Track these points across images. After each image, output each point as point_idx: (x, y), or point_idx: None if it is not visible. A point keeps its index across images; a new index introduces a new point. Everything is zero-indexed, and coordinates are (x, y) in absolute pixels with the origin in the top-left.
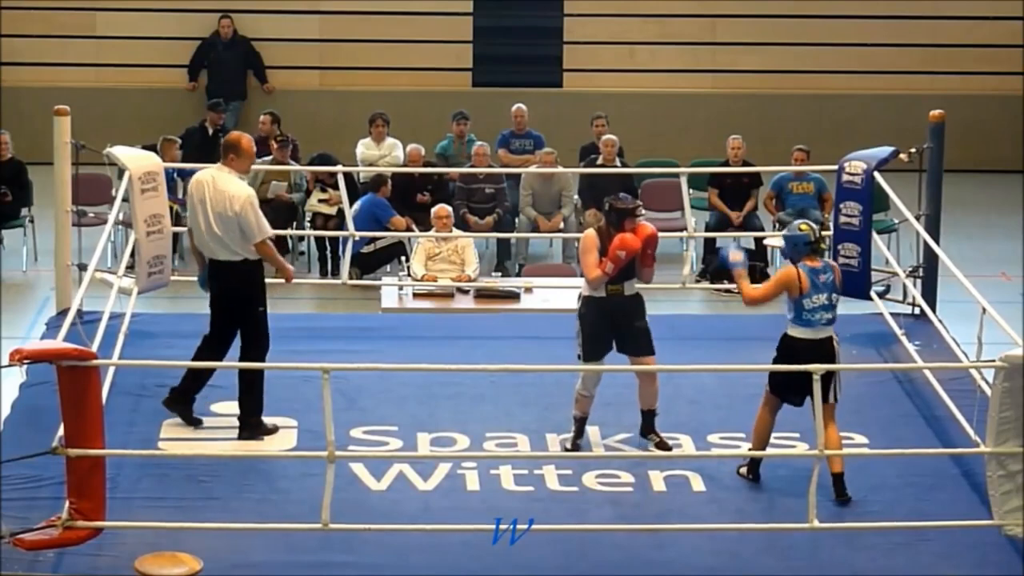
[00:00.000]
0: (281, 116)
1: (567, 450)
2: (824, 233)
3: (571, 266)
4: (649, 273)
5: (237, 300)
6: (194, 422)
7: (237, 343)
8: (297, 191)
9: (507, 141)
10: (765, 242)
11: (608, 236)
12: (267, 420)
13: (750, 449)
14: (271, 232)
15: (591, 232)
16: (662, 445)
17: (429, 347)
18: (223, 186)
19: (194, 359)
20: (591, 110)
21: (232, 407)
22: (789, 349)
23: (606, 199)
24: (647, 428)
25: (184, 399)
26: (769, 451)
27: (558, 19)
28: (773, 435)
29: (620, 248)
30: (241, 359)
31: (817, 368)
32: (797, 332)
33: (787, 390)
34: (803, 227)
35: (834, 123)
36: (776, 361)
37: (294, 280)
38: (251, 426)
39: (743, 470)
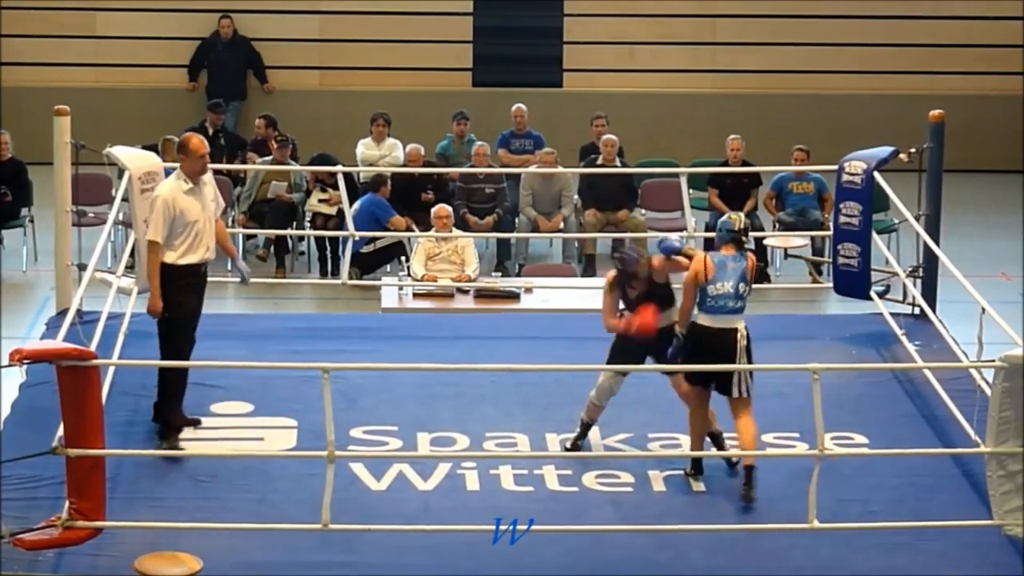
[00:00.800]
0: (280, 116)
1: (567, 449)
2: (750, 231)
3: (571, 266)
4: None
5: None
6: (192, 423)
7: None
8: (297, 191)
9: (507, 141)
10: (765, 242)
11: (622, 286)
12: (186, 438)
13: (691, 446)
14: (154, 237)
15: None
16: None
17: (429, 347)
18: (159, 187)
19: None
20: (591, 110)
21: (232, 407)
22: (693, 336)
23: (614, 255)
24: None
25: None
26: (769, 451)
27: (558, 19)
28: (773, 435)
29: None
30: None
31: (817, 368)
32: (702, 320)
33: (696, 377)
34: (732, 217)
35: (834, 123)
36: (685, 351)
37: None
38: (162, 423)
39: (688, 469)
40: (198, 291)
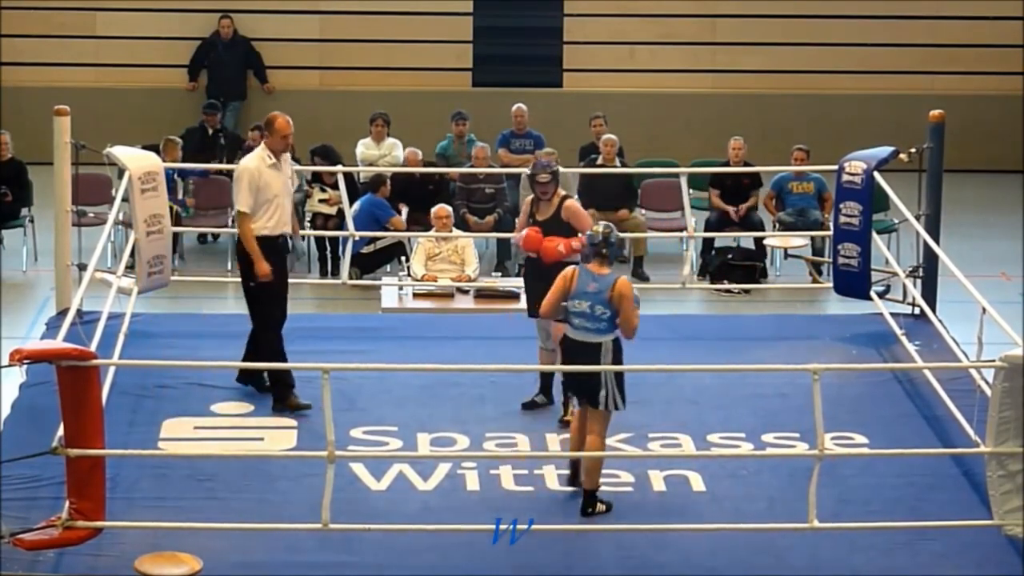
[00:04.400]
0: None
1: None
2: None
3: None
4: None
5: (241, 273)
6: (302, 407)
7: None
8: (297, 191)
9: (507, 141)
10: (765, 242)
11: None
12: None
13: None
14: (244, 207)
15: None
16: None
17: (429, 347)
18: (243, 160)
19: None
20: (591, 110)
21: (232, 407)
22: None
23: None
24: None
25: (283, 394)
26: (769, 451)
27: (558, 19)
28: (773, 435)
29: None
30: (251, 336)
31: (817, 368)
32: (566, 330)
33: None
34: (595, 228)
35: (834, 123)
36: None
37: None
38: (277, 398)
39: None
40: (280, 262)
